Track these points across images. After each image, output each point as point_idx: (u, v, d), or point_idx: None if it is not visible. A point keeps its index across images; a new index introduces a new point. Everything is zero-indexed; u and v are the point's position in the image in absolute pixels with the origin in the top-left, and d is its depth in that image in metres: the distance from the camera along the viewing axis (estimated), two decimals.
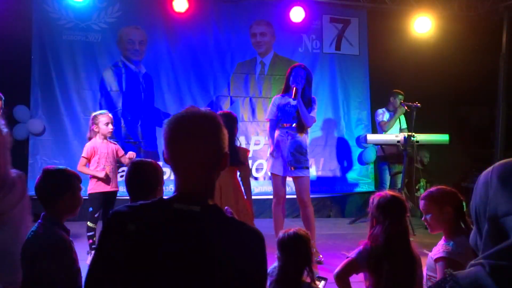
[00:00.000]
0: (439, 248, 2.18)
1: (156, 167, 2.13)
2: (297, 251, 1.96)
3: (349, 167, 6.66)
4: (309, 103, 4.13)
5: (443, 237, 2.25)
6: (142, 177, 2.06)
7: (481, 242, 0.95)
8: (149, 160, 2.20)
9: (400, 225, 2.12)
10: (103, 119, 4.03)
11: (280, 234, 2.02)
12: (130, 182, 2.09)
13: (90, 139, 4.06)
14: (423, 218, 2.30)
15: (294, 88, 4.04)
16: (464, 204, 2.20)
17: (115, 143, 4.30)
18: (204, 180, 1.21)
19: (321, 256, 4.05)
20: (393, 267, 2.06)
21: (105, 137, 4.07)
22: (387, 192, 2.23)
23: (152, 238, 1.12)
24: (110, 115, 4.12)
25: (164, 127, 1.21)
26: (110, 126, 4.06)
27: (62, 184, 1.99)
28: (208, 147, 1.19)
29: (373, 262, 2.09)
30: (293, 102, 4.11)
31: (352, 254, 2.18)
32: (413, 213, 5.65)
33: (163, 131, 1.20)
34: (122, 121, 5.89)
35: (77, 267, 1.98)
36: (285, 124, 4.16)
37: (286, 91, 4.20)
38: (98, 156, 4.00)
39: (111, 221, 1.17)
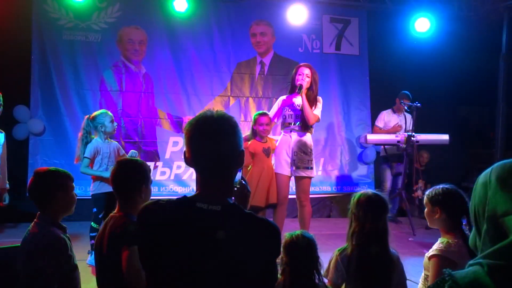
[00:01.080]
0: (433, 246, 2.19)
1: (141, 166, 2.12)
2: (309, 254, 1.92)
3: (350, 167, 6.66)
4: (314, 102, 4.15)
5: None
6: (127, 176, 2.07)
7: (480, 242, 0.95)
8: (135, 158, 2.21)
9: (379, 224, 2.07)
10: (108, 118, 4.03)
11: (286, 237, 1.97)
12: (115, 180, 2.09)
13: (87, 142, 3.99)
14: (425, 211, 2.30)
15: (299, 84, 4.07)
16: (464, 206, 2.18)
17: (116, 141, 4.29)
18: (223, 178, 1.32)
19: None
20: (370, 268, 2.02)
21: (108, 136, 4.07)
22: (368, 190, 2.22)
23: (174, 234, 1.22)
24: (109, 113, 4.15)
25: (185, 130, 1.32)
26: (115, 123, 4.14)
27: (53, 185, 2.01)
28: (226, 146, 1.29)
29: (353, 268, 2.04)
30: (298, 102, 4.13)
31: (330, 274, 2.12)
32: (412, 213, 5.66)
33: (185, 134, 1.31)
34: (122, 121, 5.89)
35: (73, 264, 1.99)
36: (289, 123, 4.17)
37: (292, 91, 4.21)
38: (100, 156, 3.97)
39: (141, 215, 1.29)
